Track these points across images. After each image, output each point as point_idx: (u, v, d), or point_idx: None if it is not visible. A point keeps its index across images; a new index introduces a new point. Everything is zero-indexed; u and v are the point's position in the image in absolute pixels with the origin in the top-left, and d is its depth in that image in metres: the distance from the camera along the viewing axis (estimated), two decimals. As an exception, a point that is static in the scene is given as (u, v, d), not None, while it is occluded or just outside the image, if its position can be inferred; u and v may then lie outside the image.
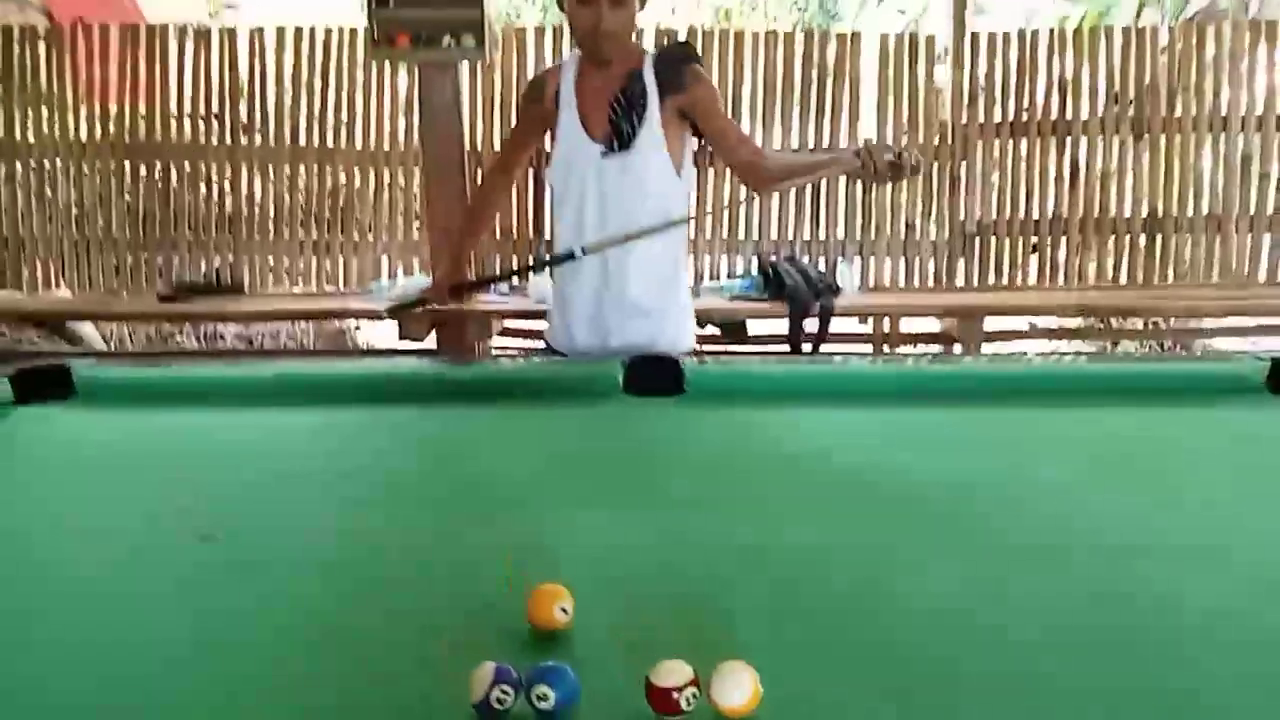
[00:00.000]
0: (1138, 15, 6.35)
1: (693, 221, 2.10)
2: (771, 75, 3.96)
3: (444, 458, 1.54)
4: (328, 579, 1.12)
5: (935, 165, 4.00)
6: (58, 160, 4.05)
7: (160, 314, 3.90)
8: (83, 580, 1.12)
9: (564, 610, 0.99)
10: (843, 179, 3.92)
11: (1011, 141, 4.00)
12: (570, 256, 2.03)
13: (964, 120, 3.97)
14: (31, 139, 4.03)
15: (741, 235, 4.04)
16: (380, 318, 3.54)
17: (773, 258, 3.86)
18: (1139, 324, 4.41)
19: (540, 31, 4.02)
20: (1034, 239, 4.03)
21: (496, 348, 4.04)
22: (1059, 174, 3.99)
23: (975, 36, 3.96)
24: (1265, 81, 3.90)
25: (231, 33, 4.09)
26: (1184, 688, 0.87)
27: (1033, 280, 4.05)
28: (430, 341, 3.67)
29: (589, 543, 1.19)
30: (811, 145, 3.99)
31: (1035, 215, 4.01)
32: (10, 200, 4.03)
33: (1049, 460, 1.46)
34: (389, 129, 4.07)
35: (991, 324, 3.88)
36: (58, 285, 4.09)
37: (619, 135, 1.98)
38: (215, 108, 4.06)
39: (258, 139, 4.06)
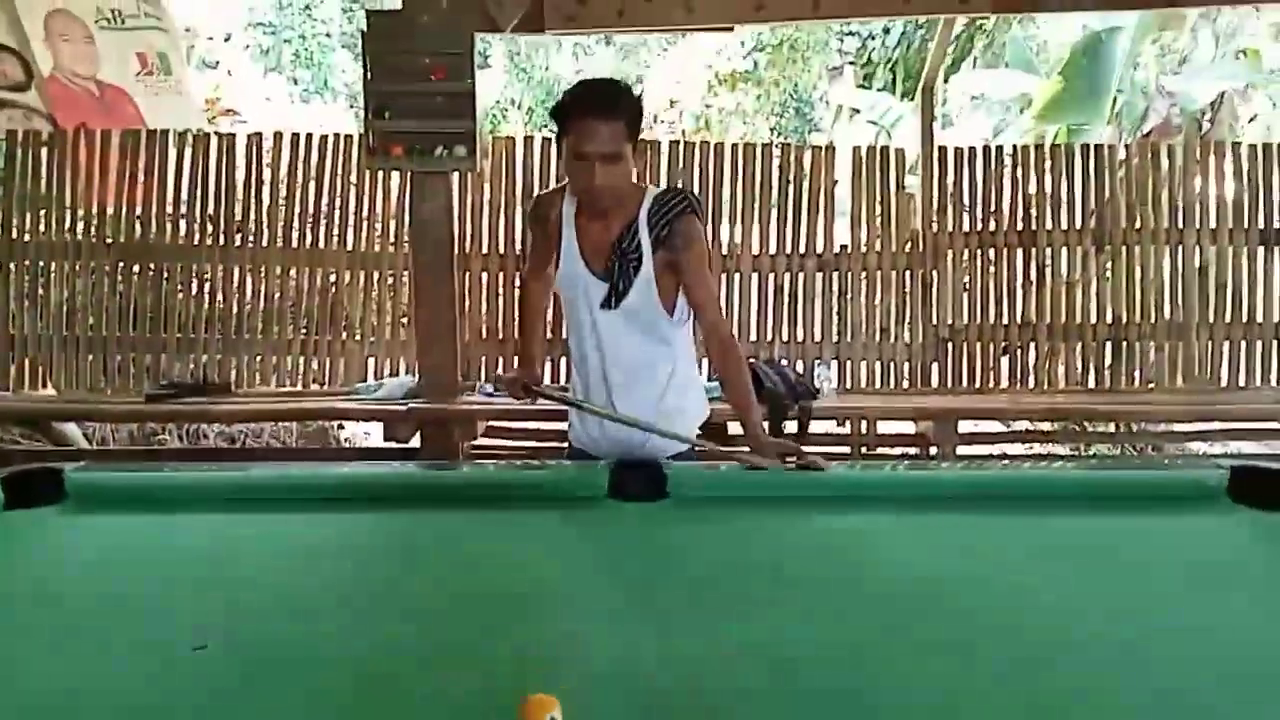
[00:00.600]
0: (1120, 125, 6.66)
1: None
2: (750, 183, 4.14)
3: (432, 565, 1.56)
4: (317, 691, 1.14)
5: (908, 272, 4.15)
6: (51, 261, 4.12)
7: (146, 414, 3.91)
8: (74, 693, 1.13)
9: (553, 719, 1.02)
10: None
11: (980, 250, 4.17)
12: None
13: (934, 229, 4.14)
14: (28, 238, 4.11)
15: (722, 338, 4.14)
16: (368, 419, 3.57)
17: (752, 360, 3.94)
18: (1110, 426, 4.51)
19: (529, 140, 4.19)
20: (1004, 343, 4.15)
21: (480, 447, 4.07)
22: (1026, 281, 4.15)
23: (943, 150, 4.17)
24: (1216, 195, 4.11)
25: (230, 138, 4.23)
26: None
27: (1004, 382, 4.16)
28: (415, 441, 3.70)
29: (575, 652, 1.22)
30: (789, 250, 4.13)
31: (1005, 320, 4.15)
32: (2, 300, 4.08)
33: (1008, 566, 1.51)
34: (380, 232, 4.18)
35: (966, 425, 3.97)
36: (44, 384, 4.10)
37: (615, 290, 2.07)
38: (210, 210, 4.16)
39: (251, 240, 4.16)
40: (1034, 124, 6.95)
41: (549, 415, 3.44)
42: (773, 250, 4.16)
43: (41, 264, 4.12)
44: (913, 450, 4.13)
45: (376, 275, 4.18)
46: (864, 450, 4.03)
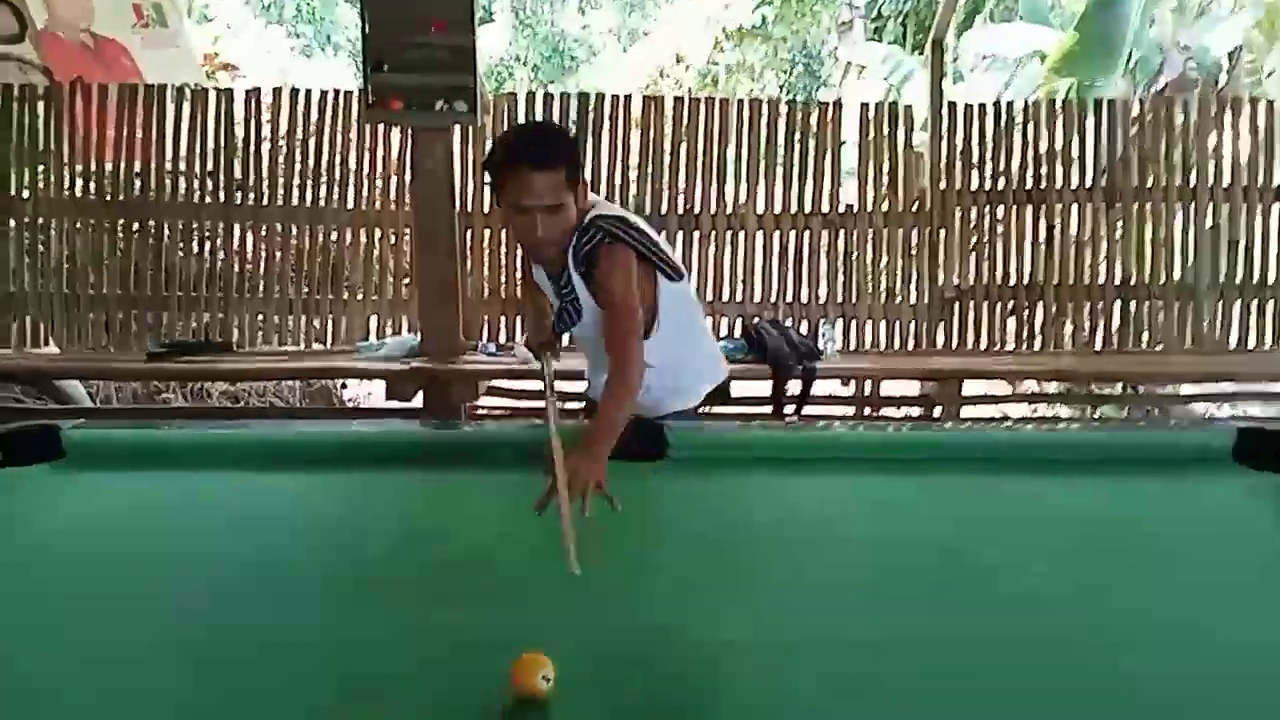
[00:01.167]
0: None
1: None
2: (756, 140, 4.07)
3: (427, 527, 1.56)
4: (314, 648, 1.14)
5: (915, 231, 4.10)
6: (51, 218, 4.09)
7: (148, 372, 3.90)
8: (72, 647, 1.13)
9: (546, 679, 1.01)
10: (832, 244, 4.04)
11: (989, 208, 4.11)
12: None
13: (943, 187, 4.08)
14: (26, 194, 4.07)
15: (725, 298, 4.11)
16: (370, 378, 3.56)
17: (756, 321, 3.92)
18: (1117, 388, 4.48)
19: (531, 97, 4.12)
20: (1011, 303, 4.11)
21: (482, 408, 4.06)
22: (1035, 240, 4.09)
23: (952, 106, 4.09)
24: (1231, 153, 4.03)
25: (228, 93, 4.17)
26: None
27: (1010, 345, 4.12)
28: (417, 401, 3.70)
29: (571, 612, 1.22)
30: (794, 209, 4.08)
31: (1012, 281, 4.10)
32: (2, 257, 4.06)
33: (1015, 530, 1.49)
34: (380, 189, 4.14)
35: (971, 387, 3.94)
36: (46, 342, 4.10)
37: (569, 320, 2.03)
38: (210, 167, 4.12)
39: (251, 198, 4.12)
40: (1046, 79, 6.82)
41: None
42: (778, 209, 4.11)
43: (41, 221, 4.09)
44: (916, 411, 4.11)
45: (378, 233, 4.15)
46: (868, 412, 4.01)
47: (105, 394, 4.50)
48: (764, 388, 3.64)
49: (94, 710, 1.00)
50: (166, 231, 4.12)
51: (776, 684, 1.04)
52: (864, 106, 4.15)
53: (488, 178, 1.93)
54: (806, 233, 4.10)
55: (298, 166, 4.11)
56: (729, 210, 4.09)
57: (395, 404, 3.71)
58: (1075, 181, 4.07)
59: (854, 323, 4.12)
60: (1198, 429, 2.18)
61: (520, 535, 1.44)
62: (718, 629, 1.17)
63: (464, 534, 1.50)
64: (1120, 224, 4.08)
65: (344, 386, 5.43)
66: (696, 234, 4.08)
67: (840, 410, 4.06)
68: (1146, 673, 1.06)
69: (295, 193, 4.11)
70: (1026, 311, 4.11)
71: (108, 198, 4.09)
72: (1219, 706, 1.00)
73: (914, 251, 4.10)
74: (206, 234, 4.14)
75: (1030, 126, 4.07)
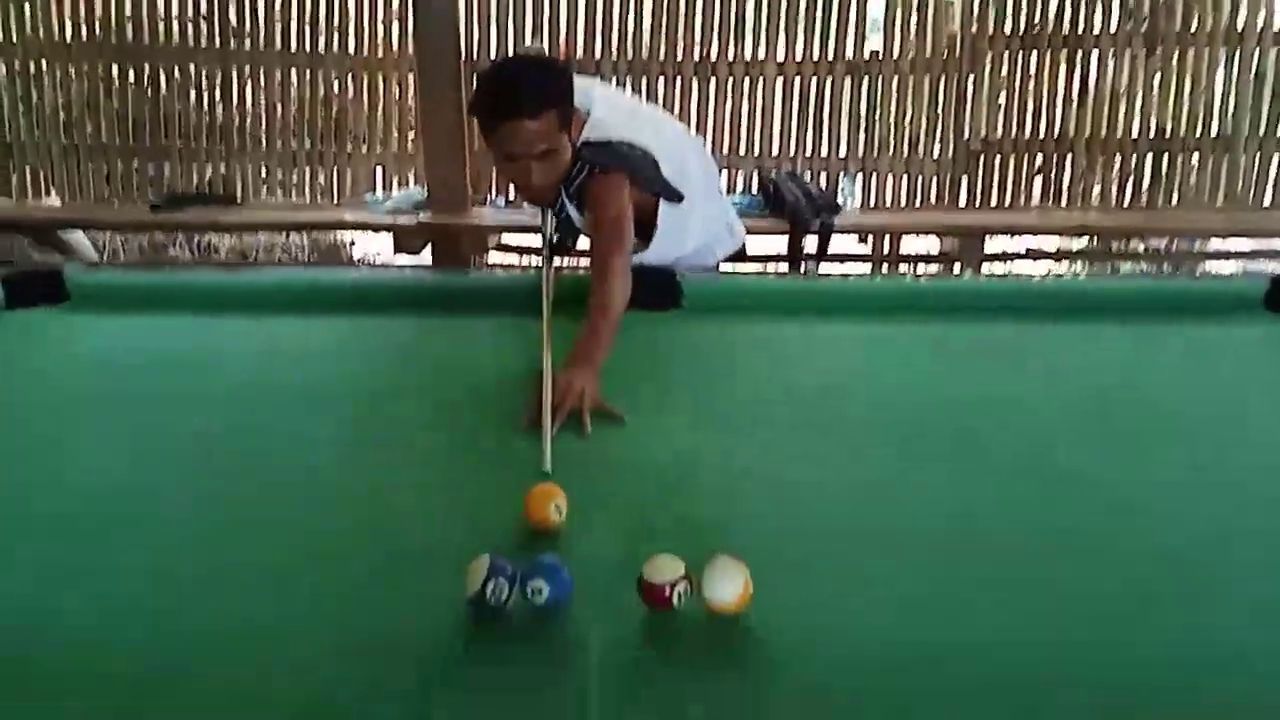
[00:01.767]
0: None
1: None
2: (778, -19, 3.84)
3: (442, 368, 1.54)
4: (324, 482, 1.13)
5: (942, 79, 3.91)
6: (44, 63, 3.94)
7: (151, 223, 3.85)
8: (76, 490, 1.12)
9: (558, 509, 1.00)
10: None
11: (1021, 55, 3.90)
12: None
13: (974, 30, 3.86)
14: (15, 39, 3.92)
15: (742, 151, 3.97)
16: (376, 231, 3.50)
17: (773, 174, 3.79)
18: (1141, 248, 4.37)
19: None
20: (1040, 155, 3.96)
21: (492, 264, 4.01)
22: (1068, 91, 3.90)
23: (987, -56, 3.83)
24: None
25: (220, -71, 3.93)
26: (1165, 589, 0.89)
27: (1035, 202, 4.00)
28: (426, 256, 3.64)
29: (585, 451, 1.20)
30: (817, 57, 3.88)
31: (1041, 134, 3.93)
32: (-5, 104, 3.94)
33: (1036, 378, 1.46)
34: (382, 35, 3.95)
35: (992, 245, 3.85)
36: (47, 193, 4.03)
37: (565, 237, 1.97)
38: (204, 9, 3.93)
39: (247, 43, 3.95)
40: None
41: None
42: (799, 56, 3.90)
43: (33, 67, 3.94)
44: (935, 269, 4.04)
45: (381, 81, 3.99)
46: (885, 270, 3.94)
47: (112, 249, 4.46)
48: (780, 244, 3.56)
49: (96, 538, 1.00)
50: (163, 78, 3.97)
51: (789, 518, 1.03)
52: (894, -57, 3.88)
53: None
54: (829, 78, 3.91)
55: (294, 9, 3.91)
56: (747, 57, 3.90)
57: (404, 259, 3.67)
58: (1115, 25, 3.84)
59: (874, 177, 3.98)
60: (1228, 278, 2.11)
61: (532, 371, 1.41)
62: (731, 461, 1.16)
63: (478, 373, 1.48)
64: (1159, 73, 3.87)
65: (353, 244, 5.37)
66: (713, 82, 3.90)
67: (858, 268, 3.98)
68: (1171, 513, 1.05)
69: (294, 38, 3.93)
70: (1055, 163, 3.95)
71: (100, 42, 3.92)
72: (1244, 550, 0.99)
73: (940, 101, 3.92)
74: (204, 81, 4.00)
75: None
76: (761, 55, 3.89)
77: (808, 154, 3.97)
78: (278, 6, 3.91)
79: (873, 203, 3.97)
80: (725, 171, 3.94)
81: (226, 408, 1.34)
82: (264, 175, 4.04)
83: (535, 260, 3.95)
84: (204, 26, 3.94)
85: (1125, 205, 3.93)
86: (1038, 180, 4.01)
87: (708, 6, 3.85)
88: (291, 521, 1.03)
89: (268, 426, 1.28)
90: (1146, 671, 0.77)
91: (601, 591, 0.87)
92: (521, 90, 1.69)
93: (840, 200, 3.76)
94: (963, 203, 3.96)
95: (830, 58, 3.89)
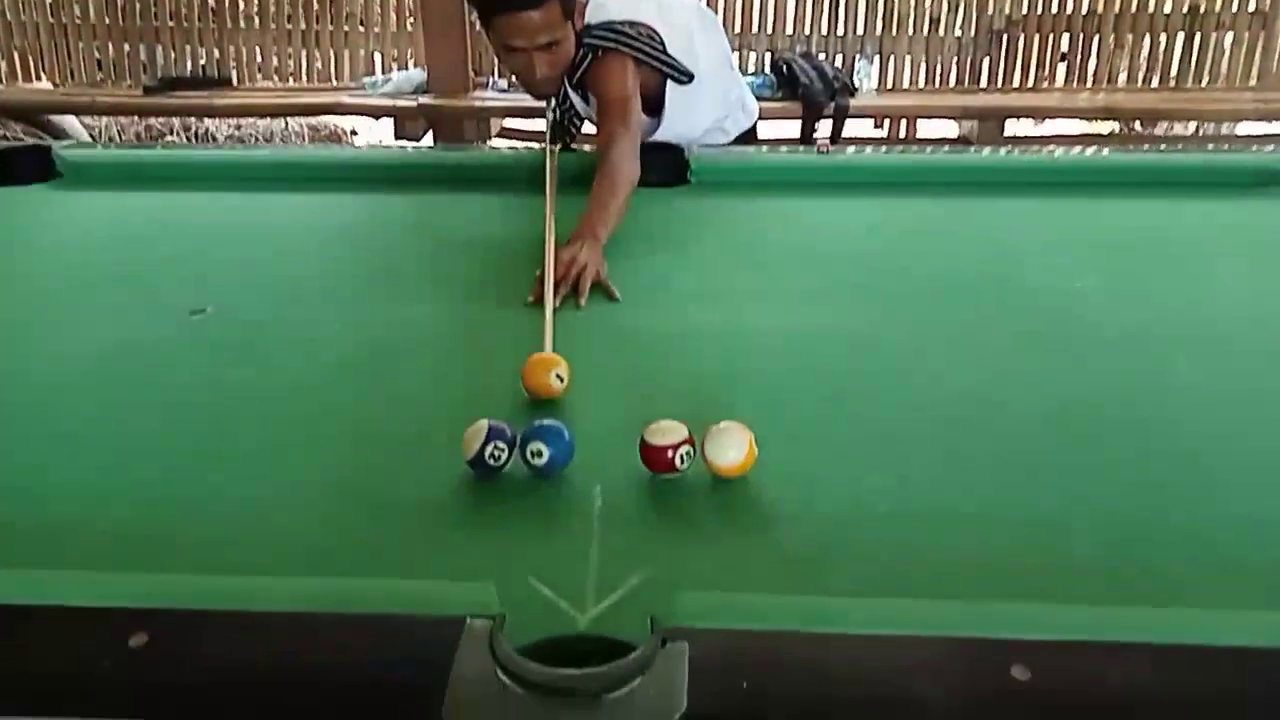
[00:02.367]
0: None
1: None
2: None
3: (445, 243, 1.49)
4: (324, 353, 1.11)
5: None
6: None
7: (146, 107, 3.74)
8: (79, 356, 1.10)
9: (559, 377, 0.97)
10: None
11: (1048, -75, 3.69)
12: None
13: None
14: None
15: (755, 30, 3.81)
16: (374, 115, 3.40)
17: (787, 55, 3.64)
18: (1166, 133, 4.22)
19: None
20: (1065, 38, 3.78)
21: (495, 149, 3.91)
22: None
23: None
24: None
25: None
26: (1176, 456, 0.87)
27: (1060, 84, 3.84)
28: (427, 141, 3.55)
29: (588, 324, 1.17)
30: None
31: (1068, 10, 3.75)
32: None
33: (1056, 249, 1.41)
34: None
35: (1013, 130, 3.72)
36: (38, 77, 3.92)
37: (568, 127, 1.91)
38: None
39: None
40: None
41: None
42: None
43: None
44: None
45: (377, -44, 3.81)
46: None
47: (107, 137, 4.36)
48: (793, 128, 3.45)
49: (90, 409, 0.98)
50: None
51: (795, 385, 1.01)
52: None
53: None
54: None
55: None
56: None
57: (406, 143, 3.58)
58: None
59: (891, 59, 3.83)
60: (1255, 153, 2.03)
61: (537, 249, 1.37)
62: (738, 330, 1.13)
63: (483, 249, 1.44)
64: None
65: (354, 134, 5.25)
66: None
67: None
68: (1199, 369, 1.02)
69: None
70: (1081, 42, 3.78)
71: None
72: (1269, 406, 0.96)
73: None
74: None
75: None
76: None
77: (823, 33, 3.81)
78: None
79: (891, 83, 3.83)
80: (737, 52, 3.79)
81: (223, 283, 1.31)
82: (259, 59, 3.91)
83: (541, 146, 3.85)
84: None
85: (1152, 87, 3.78)
86: (1061, 66, 3.85)
87: (721, -128, 3.64)
88: (289, 392, 1.01)
89: (266, 301, 1.25)
90: (1154, 532, 0.76)
91: (603, 456, 0.85)
92: None
93: (856, 82, 3.62)
94: (984, 83, 3.82)
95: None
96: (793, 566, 0.72)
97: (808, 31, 3.81)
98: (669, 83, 1.84)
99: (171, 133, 4.52)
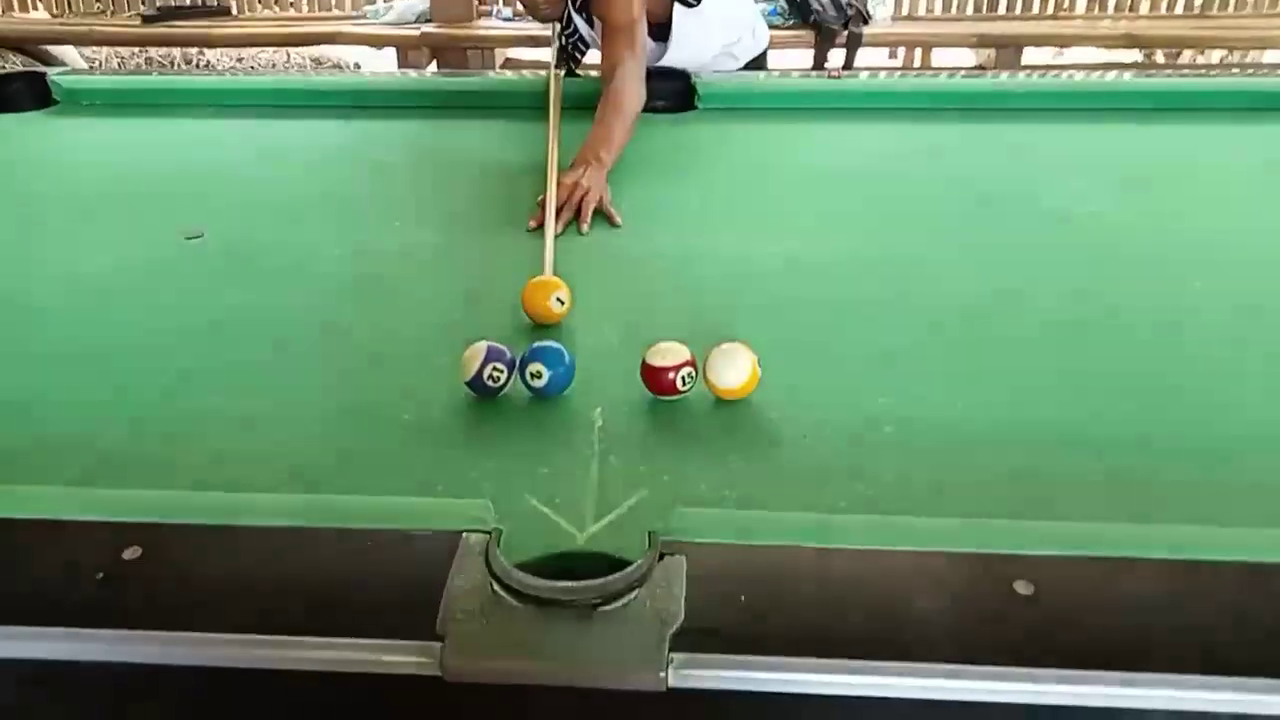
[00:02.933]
0: None
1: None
2: None
3: (446, 166, 1.47)
4: (324, 275, 1.09)
5: None
6: None
7: (144, 37, 3.67)
8: (79, 277, 1.09)
9: (560, 300, 0.96)
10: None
11: None
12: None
13: None
14: None
15: (766, -46, 3.69)
16: (376, 45, 3.33)
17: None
18: (1191, 62, 4.11)
19: None
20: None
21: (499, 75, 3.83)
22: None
23: None
24: None
25: None
26: (1187, 374, 0.86)
27: (1081, 11, 3.73)
28: (431, 70, 3.48)
29: (590, 248, 1.15)
30: None
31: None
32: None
33: (1073, 173, 1.37)
34: None
35: (1030, 59, 3.62)
36: (35, 7, 3.85)
37: (573, 53, 1.86)
38: None
39: None
40: None
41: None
42: None
43: None
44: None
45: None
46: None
47: (109, 68, 4.29)
48: (805, 58, 3.37)
49: (89, 330, 0.97)
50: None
51: (800, 305, 0.99)
52: None
53: None
54: None
55: None
56: None
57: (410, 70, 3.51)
58: None
59: (907, -14, 3.72)
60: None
61: (538, 179, 1.34)
62: (742, 252, 1.11)
63: (486, 173, 1.41)
64: None
65: (357, 67, 5.17)
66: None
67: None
68: (1217, 290, 1.00)
69: None
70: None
71: None
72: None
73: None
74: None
75: None
76: None
77: (837, -42, 3.68)
78: None
79: (905, 11, 3.72)
80: None
81: (223, 206, 1.29)
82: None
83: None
84: None
85: (1178, 13, 3.66)
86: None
87: None
88: (288, 313, 1.00)
89: (266, 223, 1.23)
90: (1162, 448, 0.74)
91: (604, 379, 0.83)
92: None
93: (870, 9, 3.52)
94: (1003, 10, 3.71)
95: None
96: (794, 486, 0.71)
97: (821, -44, 3.68)
98: (676, 6, 1.79)
99: (172, 65, 4.45)
